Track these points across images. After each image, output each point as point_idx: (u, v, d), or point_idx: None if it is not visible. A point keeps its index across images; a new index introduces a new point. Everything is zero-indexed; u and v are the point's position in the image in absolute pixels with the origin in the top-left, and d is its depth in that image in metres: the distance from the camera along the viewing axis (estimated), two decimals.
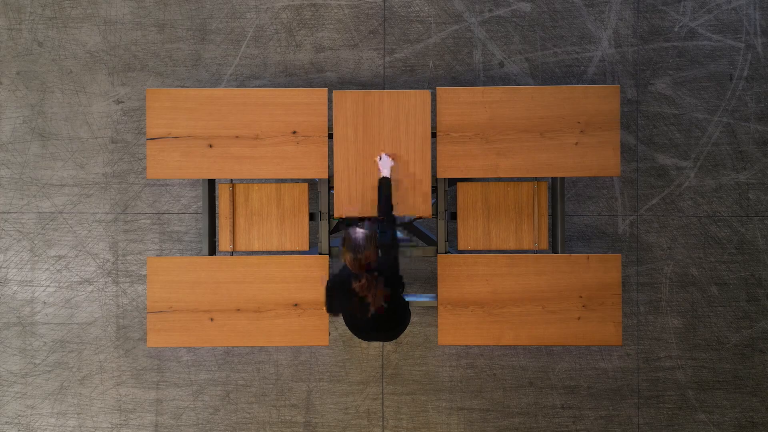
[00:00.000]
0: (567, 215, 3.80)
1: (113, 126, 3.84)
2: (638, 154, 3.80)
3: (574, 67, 3.81)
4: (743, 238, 3.80)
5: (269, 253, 3.43)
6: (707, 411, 3.79)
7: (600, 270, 3.17)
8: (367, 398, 3.80)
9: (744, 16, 3.80)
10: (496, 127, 3.15)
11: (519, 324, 3.17)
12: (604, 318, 3.18)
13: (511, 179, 3.41)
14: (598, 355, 3.80)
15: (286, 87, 3.81)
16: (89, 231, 3.84)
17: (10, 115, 3.84)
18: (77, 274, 3.83)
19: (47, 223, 3.84)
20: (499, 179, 3.45)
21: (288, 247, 3.28)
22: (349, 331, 3.64)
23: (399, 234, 3.49)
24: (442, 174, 3.17)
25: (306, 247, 3.29)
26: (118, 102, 3.84)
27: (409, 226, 3.51)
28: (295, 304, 3.18)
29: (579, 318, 3.17)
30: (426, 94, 3.13)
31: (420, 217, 3.23)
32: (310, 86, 3.82)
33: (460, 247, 3.29)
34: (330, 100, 3.53)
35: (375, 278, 2.71)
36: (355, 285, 2.71)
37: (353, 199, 3.16)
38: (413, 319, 3.76)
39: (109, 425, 3.83)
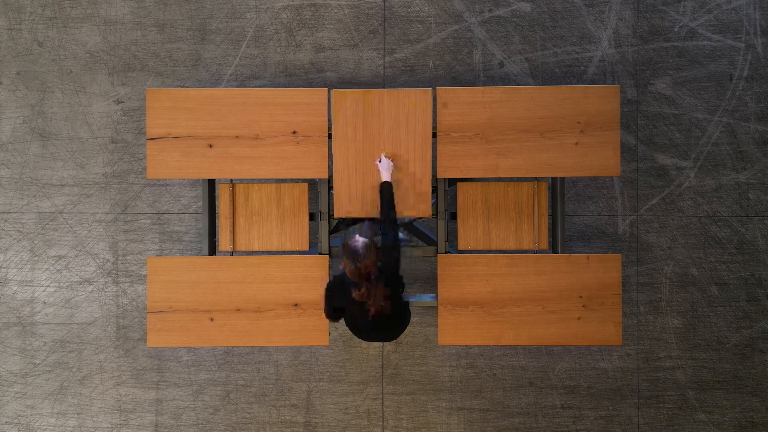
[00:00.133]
0: (567, 215, 3.80)
1: (113, 126, 3.84)
2: (638, 154, 3.80)
3: (574, 67, 3.81)
4: (743, 238, 3.80)
5: (269, 253, 3.43)
6: (707, 411, 3.79)
7: (600, 270, 3.17)
8: (367, 398, 3.80)
9: (744, 16, 3.80)
10: (496, 127, 3.15)
11: (519, 324, 3.17)
12: (604, 318, 3.18)
13: (511, 179, 3.41)
14: (598, 355, 3.80)
15: (286, 87, 3.81)
16: (89, 231, 3.84)
17: (10, 115, 3.84)
18: (77, 274, 3.83)
19: (47, 223, 3.84)
20: (499, 179, 3.45)
21: (288, 247, 3.28)
22: (349, 331, 3.64)
23: (400, 235, 3.49)
24: (442, 174, 3.17)
25: (306, 247, 3.29)
26: (118, 102, 3.84)
27: (409, 226, 3.51)
28: (295, 304, 3.18)
29: (579, 318, 3.17)
30: (427, 93, 3.10)
31: (419, 218, 3.23)
32: (310, 86, 3.82)
33: (460, 247, 3.29)
34: (330, 100, 3.53)
35: (374, 284, 2.70)
36: (355, 294, 2.71)
37: (353, 198, 3.16)
38: (413, 319, 3.76)
39: (109, 425, 3.83)
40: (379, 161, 3.08)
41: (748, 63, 3.80)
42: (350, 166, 3.14)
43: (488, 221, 3.28)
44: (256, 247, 3.29)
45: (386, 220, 2.92)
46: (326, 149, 3.17)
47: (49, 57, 3.84)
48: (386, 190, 2.99)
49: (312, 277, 3.17)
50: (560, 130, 3.15)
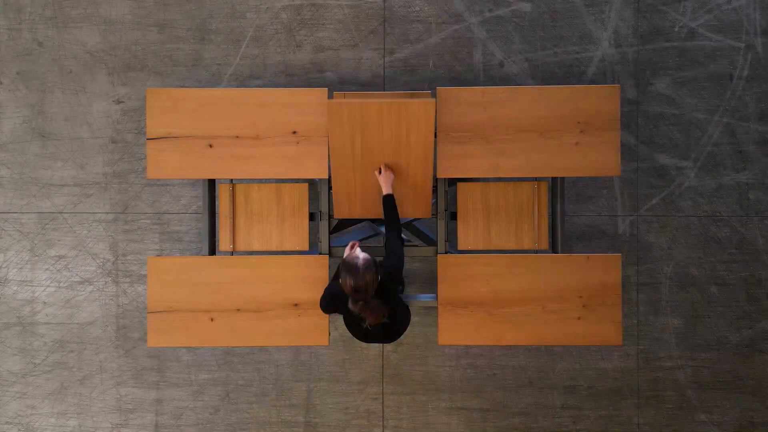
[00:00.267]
0: (567, 215, 3.80)
1: (113, 126, 3.84)
2: (638, 154, 3.80)
3: (574, 67, 3.81)
4: (743, 238, 3.80)
5: (269, 253, 3.43)
6: (707, 411, 3.79)
7: (600, 270, 3.17)
8: (367, 398, 3.80)
9: (744, 16, 3.80)
10: (496, 127, 3.15)
11: (519, 324, 3.17)
12: (604, 318, 3.17)
13: (511, 179, 3.41)
14: (598, 355, 3.80)
15: (286, 87, 3.81)
16: (89, 231, 3.84)
17: (10, 115, 3.84)
18: (77, 274, 3.83)
19: (47, 223, 3.84)
20: (499, 179, 3.45)
21: (288, 247, 3.28)
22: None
23: (404, 237, 3.48)
24: (442, 174, 3.17)
25: (306, 247, 3.29)
26: (118, 102, 3.84)
27: (409, 226, 3.51)
28: (295, 304, 3.18)
29: (579, 318, 3.17)
30: (430, 104, 2.86)
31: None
32: (310, 86, 3.82)
33: (460, 247, 3.29)
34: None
35: (373, 303, 2.63)
36: (353, 308, 2.64)
37: (353, 199, 3.15)
38: (413, 319, 3.76)
39: (109, 425, 3.83)
40: (379, 172, 3.04)
41: (748, 63, 3.80)
42: (348, 179, 3.09)
43: (488, 221, 3.28)
44: (256, 247, 3.29)
45: (393, 233, 2.88)
46: (326, 149, 3.16)
47: (49, 57, 3.84)
48: (389, 204, 2.94)
49: (312, 277, 3.17)
50: (560, 130, 3.15)
